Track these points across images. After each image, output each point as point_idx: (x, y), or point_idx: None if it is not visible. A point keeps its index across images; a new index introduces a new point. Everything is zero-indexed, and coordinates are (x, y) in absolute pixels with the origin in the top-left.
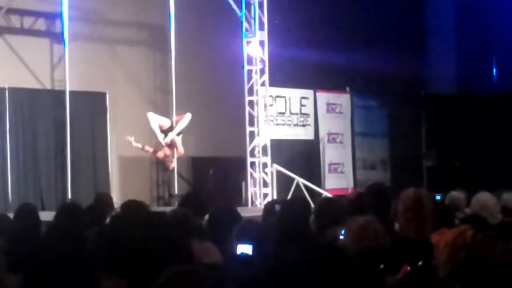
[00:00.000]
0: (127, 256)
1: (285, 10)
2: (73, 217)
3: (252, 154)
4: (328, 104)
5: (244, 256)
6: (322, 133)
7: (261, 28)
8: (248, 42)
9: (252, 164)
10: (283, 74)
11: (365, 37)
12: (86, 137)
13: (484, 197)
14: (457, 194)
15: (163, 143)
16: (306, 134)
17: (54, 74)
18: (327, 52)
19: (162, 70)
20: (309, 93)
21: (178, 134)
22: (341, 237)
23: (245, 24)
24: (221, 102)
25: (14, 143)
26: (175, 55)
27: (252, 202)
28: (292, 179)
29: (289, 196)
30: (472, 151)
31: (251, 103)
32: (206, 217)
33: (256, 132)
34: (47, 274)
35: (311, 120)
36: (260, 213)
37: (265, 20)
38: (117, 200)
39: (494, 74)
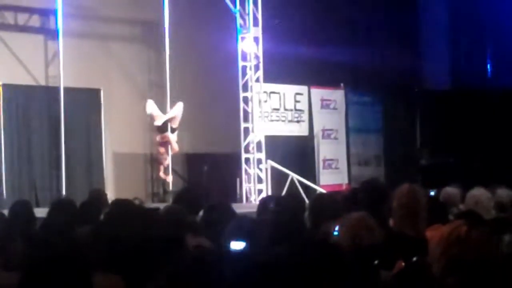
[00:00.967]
0: (122, 253)
1: (279, 6)
2: (66, 214)
3: (247, 150)
4: (322, 100)
5: (237, 252)
6: (317, 129)
7: (256, 24)
8: (242, 38)
9: (247, 160)
10: (277, 70)
11: (359, 33)
12: (81, 133)
13: (478, 193)
14: (451, 190)
15: (157, 124)
16: (300, 130)
17: (49, 70)
18: (322, 48)
19: (156, 66)
20: (303, 89)
21: (173, 132)
22: (335, 233)
23: (239, 20)
24: (216, 98)
25: (9, 140)
26: (169, 51)
27: (247, 198)
28: (287, 175)
29: (283, 192)
30: (466, 147)
31: (245, 99)
32: (201, 213)
33: (250, 128)
34: (41, 270)
35: (305, 116)
36: (254, 209)
37: (259, 16)
38: (111, 196)
39: (488, 69)
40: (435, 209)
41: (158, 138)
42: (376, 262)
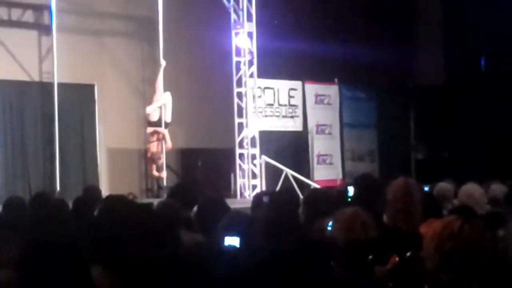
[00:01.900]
0: (115, 249)
1: (273, 2)
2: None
3: (241, 145)
4: (316, 95)
5: (231, 248)
6: (311, 125)
7: (250, 19)
8: (236, 34)
9: (241, 155)
10: (271, 66)
11: (353, 28)
12: (75, 129)
13: (471, 188)
14: (445, 185)
15: (153, 119)
16: (294, 125)
17: (42, 66)
18: (316, 43)
19: (150, 62)
20: (297, 84)
21: (166, 127)
22: (329, 228)
23: (233, 16)
24: (210, 93)
25: (3, 135)
26: (163, 46)
27: (241, 194)
28: (281, 171)
29: (277, 188)
30: (460, 142)
31: (239, 95)
32: (195, 208)
33: (244, 124)
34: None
35: (299, 112)
36: (249, 205)
37: (253, 11)
38: (106, 192)
39: (482, 64)
40: (429, 204)
41: (154, 138)
42: (370, 257)
